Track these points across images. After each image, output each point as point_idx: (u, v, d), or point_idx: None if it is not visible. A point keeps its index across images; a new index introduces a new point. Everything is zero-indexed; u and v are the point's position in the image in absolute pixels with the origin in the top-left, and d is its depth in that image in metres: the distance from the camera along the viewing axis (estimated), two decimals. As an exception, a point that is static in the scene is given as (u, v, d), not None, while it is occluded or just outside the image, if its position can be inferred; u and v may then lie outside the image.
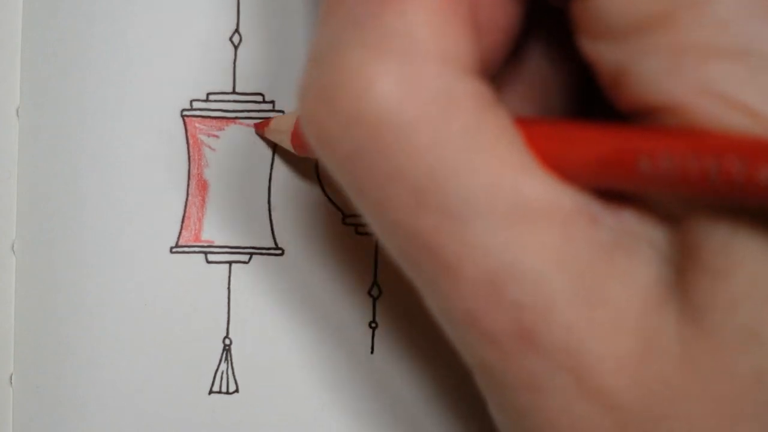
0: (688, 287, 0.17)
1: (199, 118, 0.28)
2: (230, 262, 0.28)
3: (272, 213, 0.28)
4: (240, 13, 0.28)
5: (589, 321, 0.17)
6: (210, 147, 0.28)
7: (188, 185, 0.28)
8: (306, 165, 0.28)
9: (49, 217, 0.28)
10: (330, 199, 0.28)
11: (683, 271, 0.18)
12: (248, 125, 0.28)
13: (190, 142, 0.28)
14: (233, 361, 0.28)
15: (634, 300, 0.18)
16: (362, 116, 0.17)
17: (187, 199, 0.28)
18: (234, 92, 0.28)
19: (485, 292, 0.17)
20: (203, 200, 0.28)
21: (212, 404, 0.28)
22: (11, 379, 0.28)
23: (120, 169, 0.28)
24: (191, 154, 0.28)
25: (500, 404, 0.19)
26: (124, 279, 0.28)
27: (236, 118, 0.28)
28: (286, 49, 0.28)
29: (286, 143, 0.26)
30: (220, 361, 0.28)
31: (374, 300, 0.29)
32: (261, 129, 0.28)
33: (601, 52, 0.18)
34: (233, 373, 0.28)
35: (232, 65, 0.28)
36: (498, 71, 0.21)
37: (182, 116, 0.28)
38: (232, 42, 0.28)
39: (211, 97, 0.28)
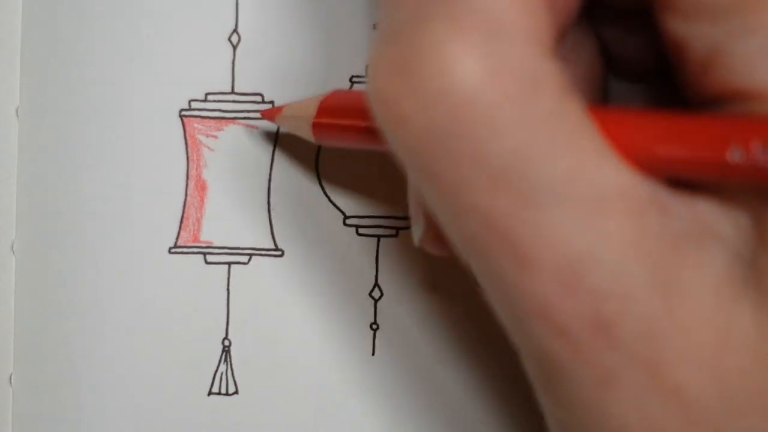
0: (764, 280, 0.17)
1: (198, 119, 0.28)
2: (229, 263, 0.28)
3: (272, 213, 0.28)
4: (239, 13, 0.28)
5: (668, 312, 0.17)
6: (209, 147, 0.28)
7: (187, 186, 0.28)
8: (306, 165, 0.28)
9: (49, 217, 0.28)
10: (330, 200, 0.28)
11: (758, 265, 0.17)
12: (247, 125, 0.28)
13: (189, 142, 0.28)
14: (232, 362, 0.28)
15: (710, 291, 0.17)
16: (444, 94, 0.16)
17: (185, 200, 0.28)
18: (233, 92, 0.28)
19: (560, 280, 0.17)
20: (202, 201, 0.28)
21: (212, 405, 0.28)
22: (11, 379, 0.28)
23: (119, 170, 0.28)
24: (190, 154, 0.28)
25: (565, 401, 0.18)
26: (124, 279, 0.28)
27: (235, 118, 0.28)
28: (285, 49, 0.28)
29: (303, 130, 0.26)
30: (220, 362, 0.28)
31: (375, 302, 0.29)
32: (271, 116, 0.27)
33: (694, 33, 0.17)
34: (232, 374, 0.28)
35: (231, 65, 0.28)
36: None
37: (181, 116, 0.28)
38: (230, 42, 0.28)
39: (210, 98, 0.28)
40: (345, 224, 0.28)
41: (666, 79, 0.19)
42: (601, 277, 0.17)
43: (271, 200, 0.28)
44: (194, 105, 0.28)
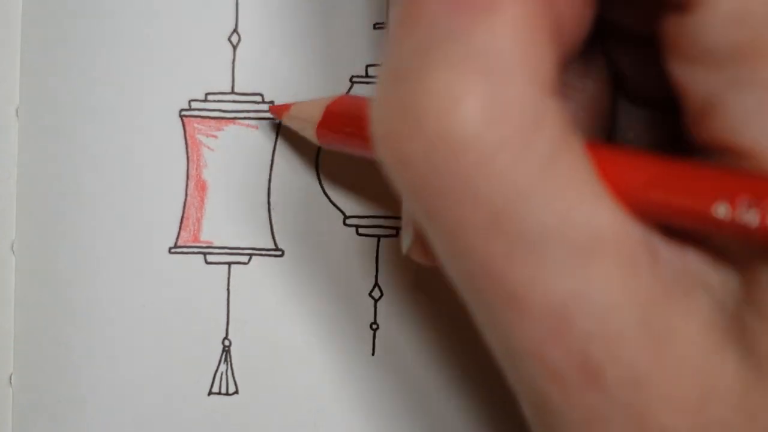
0: (748, 335, 0.17)
1: (198, 119, 0.28)
2: (229, 263, 0.28)
3: (272, 213, 0.28)
4: (239, 13, 0.28)
5: (655, 357, 0.17)
6: (209, 147, 0.28)
7: (187, 186, 0.28)
8: (306, 165, 0.28)
9: (49, 217, 0.28)
10: (330, 200, 0.28)
11: (742, 318, 0.17)
12: (247, 125, 0.28)
13: (189, 142, 0.28)
14: (233, 362, 0.28)
15: (696, 340, 0.17)
16: (444, 137, 0.16)
17: (185, 200, 0.28)
18: (233, 92, 0.28)
19: (552, 322, 0.17)
20: (202, 201, 0.28)
21: (212, 405, 0.28)
22: (11, 379, 0.28)
23: (119, 170, 0.28)
24: (190, 154, 0.28)
25: None
26: (124, 279, 0.28)
27: (235, 118, 0.28)
28: (285, 49, 0.28)
29: (308, 132, 0.26)
30: (220, 362, 0.28)
31: (375, 302, 0.29)
32: (279, 114, 0.27)
33: (694, 79, 0.17)
34: (233, 374, 0.28)
35: (231, 65, 0.28)
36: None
37: (181, 116, 0.28)
38: (230, 42, 0.28)
39: (210, 98, 0.28)
40: (345, 224, 0.28)
41: (678, 110, 0.20)
42: (589, 321, 0.17)
43: (271, 200, 0.28)
44: (194, 105, 0.28)
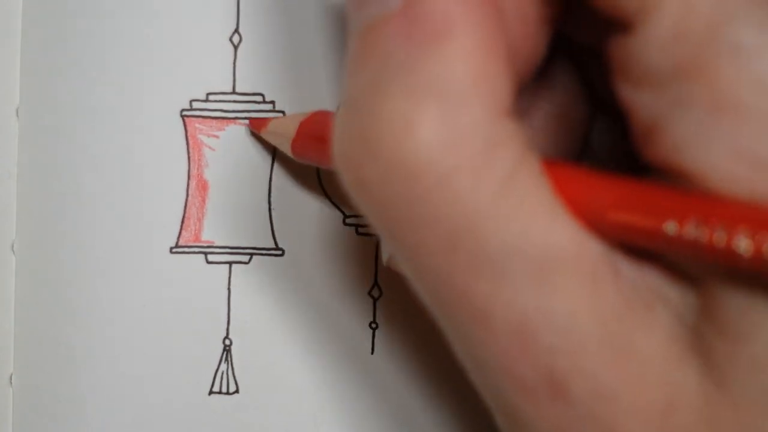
0: (707, 348, 0.17)
1: (199, 119, 0.28)
2: (230, 263, 0.28)
3: (272, 213, 0.28)
4: (240, 13, 0.28)
5: (618, 369, 0.17)
6: (210, 147, 0.28)
7: (188, 185, 0.28)
8: (307, 165, 0.28)
9: (49, 217, 0.28)
10: (330, 200, 0.28)
11: (701, 332, 0.18)
12: (248, 125, 0.28)
13: (190, 142, 0.28)
14: (233, 361, 0.28)
15: (658, 352, 0.18)
16: (401, 163, 0.17)
17: (187, 200, 0.28)
18: (234, 92, 0.28)
19: (517, 337, 0.17)
20: (203, 200, 0.28)
21: (212, 404, 0.28)
22: (11, 379, 0.28)
23: (120, 169, 0.28)
24: (191, 154, 0.28)
25: None
26: (124, 279, 0.28)
27: (236, 118, 0.28)
28: (286, 50, 0.28)
29: (285, 147, 0.26)
30: (220, 361, 0.28)
31: (375, 300, 0.29)
32: (257, 128, 0.28)
33: (637, 99, 0.18)
34: (233, 373, 0.28)
35: (232, 65, 0.28)
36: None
37: (182, 116, 0.28)
38: (232, 42, 0.28)
39: (211, 98, 0.28)
40: (345, 224, 0.28)
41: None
42: (553, 335, 0.17)
43: (271, 200, 0.28)
44: (195, 105, 0.28)
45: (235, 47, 0.28)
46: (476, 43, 0.17)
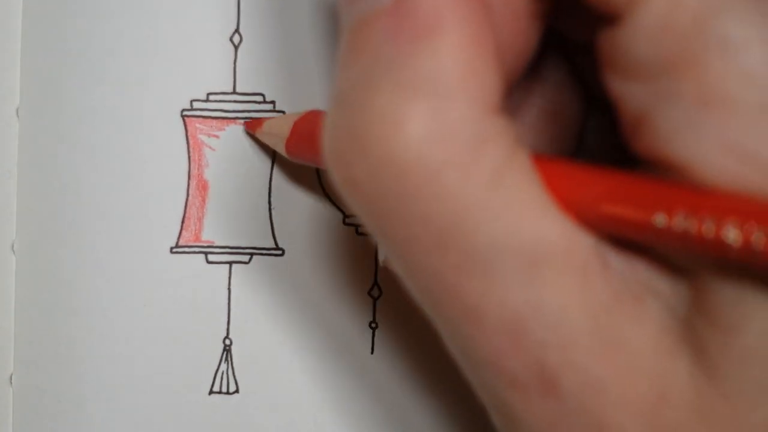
0: (698, 339, 0.17)
1: (200, 118, 0.28)
2: (230, 263, 0.28)
3: (272, 213, 0.28)
4: (240, 13, 0.28)
5: (609, 363, 0.17)
6: (210, 147, 0.28)
7: (188, 185, 0.28)
8: (307, 165, 0.28)
9: (49, 217, 0.28)
10: (330, 200, 0.28)
11: (692, 324, 0.18)
12: (244, 127, 0.28)
13: (191, 142, 0.28)
14: (233, 361, 0.28)
15: (648, 344, 0.18)
16: (390, 159, 0.17)
17: (187, 200, 0.28)
18: (234, 92, 0.28)
19: (508, 332, 0.17)
20: (203, 200, 0.28)
21: (212, 404, 0.28)
22: (11, 379, 0.28)
23: (120, 169, 0.28)
24: (191, 154, 0.28)
25: None
26: (124, 279, 0.28)
27: (236, 118, 0.28)
28: (287, 49, 0.28)
29: (279, 147, 0.27)
30: (220, 361, 0.28)
31: (374, 300, 0.29)
32: (253, 129, 0.28)
33: (626, 92, 0.18)
34: (233, 373, 0.28)
35: (233, 65, 0.28)
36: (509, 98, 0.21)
37: (182, 116, 0.28)
38: (232, 42, 0.28)
39: (212, 97, 0.28)
40: (345, 224, 0.28)
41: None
42: (544, 330, 0.17)
43: (272, 200, 0.28)
44: (196, 105, 0.28)
45: (236, 47, 0.28)
46: (465, 39, 0.17)
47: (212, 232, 0.28)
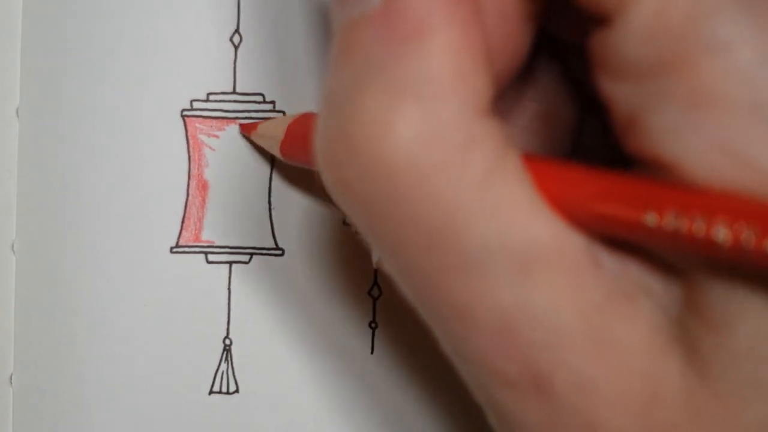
0: (691, 339, 0.17)
1: (200, 118, 0.28)
2: (230, 263, 0.28)
3: (272, 213, 0.28)
4: (240, 13, 0.28)
5: (601, 362, 0.17)
6: (210, 147, 0.28)
7: (188, 185, 0.28)
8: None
9: (49, 217, 0.28)
10: (330, 200, 0.28)
11: (685, 323, 0.18)
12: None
13: (191, 142, 0.28)
14: (233, 361, 0.28)
15: (641, 344, 0.18)
16: (380, 162, 0.17)
17: (187, 199, 0.28)
18: (234, 92, 0.28)
19: (500, 333, 0.17)
20: (203, 200, 0.28)
21: (212, 404, 0.28)
22: (11, 379, 0.28)
23: (120, 169, 0.28)
24: (191, 154, 0.28)
25: None
26: (124, 279, 0.28)
27: (236, 118, 0.28)
28: (287, 49, 0.28)
29: (275, 150, 0.27)
30: (220, 361, 0.28)
31: (374, 300, 0.29)
32: (248, 132, 0.28)
33: (617, 93, 0.18)
34: (233, 373, 0.28)
35: (233, 65, 0.28)
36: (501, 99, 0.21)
37: (182, 116, 0.28)
38: (232, 42, 0.28)
39: (212, 97, 0.28)
40: (345, 224, 0.28)
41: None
42: (535, 330, 0.17)
43: (272, 200, 0.28)
44: (196, 105, 0.28)
45: (236, 47, 0.28)
46: (454, 41, 0.17)
47: (212, 232, 0.28)
